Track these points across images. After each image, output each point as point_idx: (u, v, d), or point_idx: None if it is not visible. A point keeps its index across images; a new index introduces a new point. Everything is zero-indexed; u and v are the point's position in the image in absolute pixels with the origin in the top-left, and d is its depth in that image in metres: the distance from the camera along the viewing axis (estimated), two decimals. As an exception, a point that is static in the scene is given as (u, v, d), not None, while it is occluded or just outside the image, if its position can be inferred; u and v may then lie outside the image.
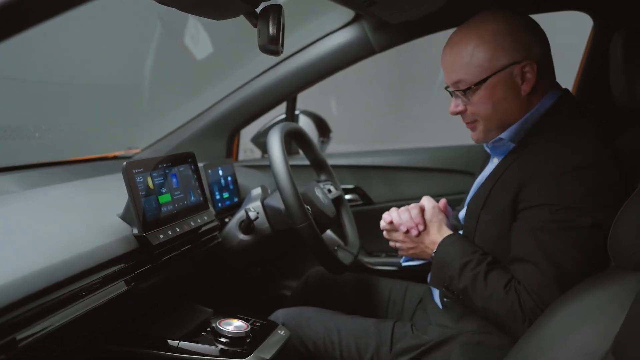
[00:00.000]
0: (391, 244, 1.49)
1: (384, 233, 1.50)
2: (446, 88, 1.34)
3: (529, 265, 1.17)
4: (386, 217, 1.47)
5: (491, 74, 1.24)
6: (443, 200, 1.47)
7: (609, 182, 1.16)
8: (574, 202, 1.15)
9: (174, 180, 1.30)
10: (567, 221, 1.15)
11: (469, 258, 1.26)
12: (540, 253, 1.16)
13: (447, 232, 1.38)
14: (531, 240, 1.18)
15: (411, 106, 3.92)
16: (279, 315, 1.51)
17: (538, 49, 1.26)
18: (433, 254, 1.36)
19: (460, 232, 1.41)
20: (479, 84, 1.25)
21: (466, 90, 1.26)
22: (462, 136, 1.60)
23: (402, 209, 1.44)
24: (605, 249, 1.08)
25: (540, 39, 1.28)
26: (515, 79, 1.25)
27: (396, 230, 1.44)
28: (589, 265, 1.13)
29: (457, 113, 1.33)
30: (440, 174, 2.18)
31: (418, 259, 1.50)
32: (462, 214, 1.46)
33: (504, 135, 1.30)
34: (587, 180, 1.15)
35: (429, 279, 1.41)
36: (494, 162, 1.38)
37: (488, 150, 1.41)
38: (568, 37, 2.05)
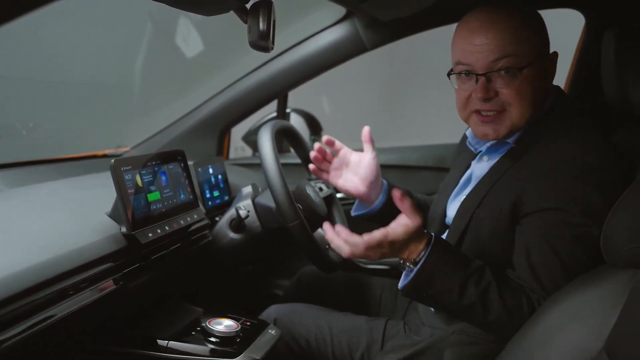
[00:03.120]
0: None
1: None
2: (478, 74, 1.21)
3: (543, 272, 1.14)
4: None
5: (538, 57, 1.21)
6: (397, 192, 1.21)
7: (617, 181, 1.14)
8: (587, 206, 1.12)
9: (163, 178, 1.29)
10: (580, 226, 1.12)
11: (469, 271, 1.16)
12: (556, 260, 1.13)
13: (425, 236, 1.19)
14: (544, 246, 1.14)
15: (402, 105, 3.93)
16: (272, 311, 1.51)
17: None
18: (420, 261, 1.17)
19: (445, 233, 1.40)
20: (530, 65, 1.19)
21: (520, 69, 1.18)
22: (453, 135, 1.59)
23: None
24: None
25: None
26: (546, 69, 1.24)
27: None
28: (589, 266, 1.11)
29: (487, 98, 1.22)
30: (432, 172, 2.18)
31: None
32: (451, 212, 1.42)
33: (512, 140, 1.26)
34: (599, 181, 1.13)
35: (400, 285, 1.21)
36: (484, 160, 1.36)
37: (473, 149, 1.37)
38: (561, 35, 2.05)
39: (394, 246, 1.15)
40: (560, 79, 1.94)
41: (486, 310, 1.14)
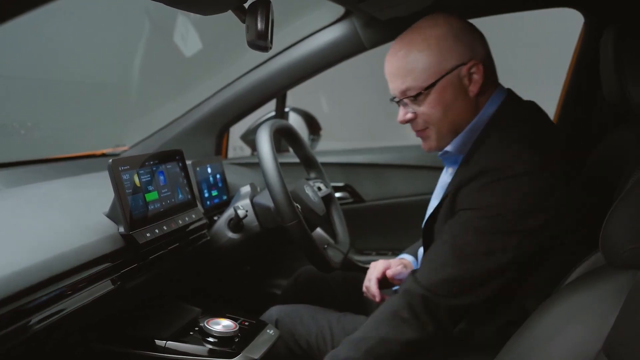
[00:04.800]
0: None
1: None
2: (392, 99, 1.33)
3: (431, 271, 1.18)
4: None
5: (440, 78, 1.24)
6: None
7: (540, 191, 1.14)
8: (499, 210, 1.14)
9: (162, 177, 1.28)
10: (493, 233, 1.14)
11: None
12: (444, 250, 1.17)
13: None
14: (446, 246, 1.18)
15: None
16: (273, 312, 1.51)
17: (481, 50, 1.27)
18: None
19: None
20: (429, 88, 1.24)
21: (416, 96, 1.26)
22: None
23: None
24: (533, 255, 1.14)
25: (481, 40, 1.29)
26: (463, 80, 1.25)
27: None
28: (503, 272, 1.14)
29: (407, 121, 1.32)
30: (429, 171, 2.17)
31: None
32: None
33: (450, 148, 1.30)
34: (518, 188, 1.14)
35: None
36: (449, 172, 1.38)
37: (442, 162, 1.41)
38: (561, 34, 2.05)
39: None
40: (560, 78, 1.95)
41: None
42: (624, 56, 1.21)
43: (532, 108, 1.32)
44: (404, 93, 1.28)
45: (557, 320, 0.93)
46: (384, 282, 1.49)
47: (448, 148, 1.31)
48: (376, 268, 1.55)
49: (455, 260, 1.15)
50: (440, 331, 1.17)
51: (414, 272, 1.21)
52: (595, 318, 0.87)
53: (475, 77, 1.25)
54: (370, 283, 1.49)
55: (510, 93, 1.32)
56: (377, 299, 1.46)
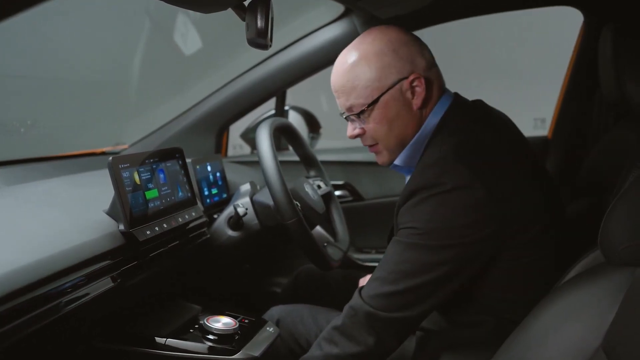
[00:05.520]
0: None
1: None
2: (342, 114, 1.33)
3: (375, 279, 1.18)
4: None
5: (381, 94, 1.23)
6: None
7: (472, 204, 1.12)
8: (431, 226, 1.13)
9: (162, 175, 1.29)
10: (421, 243, 1.14)
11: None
12: (385, 267, 1.17)
13: None
14: (387, 258, 1.18)
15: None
16: (274, 312, 1.52)
17: (422, 62, 1.25)
18: None
19: None
20: (372, 105, 1.24)
21: (360, 113, 1.26)
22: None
23: None
24: (480, 262, 1.13)
25: (422, 50, 1.27)
26: (406, 94, 1.24)
27: None
28: (442, 286, 1.14)
29: (356, 136, 1.32)
30: None
31: None
32: None
33: (398, 162, 1.30)
34: (448, 204, 1.13)
35: None
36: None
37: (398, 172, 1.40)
38: (560, 32, 2.05)
39: None
40: (560, 76, 1.95)
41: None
42: (623, 56, 1.21)
43: (478, 110, 1.30)
44: (349, 110, 1.28)
45: (555, 318, 0.93)
46: None
47: (396, 162, 1.31)
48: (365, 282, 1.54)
49: (394, 276, 1.15)
50: (382, 345, 1.17)
51: (360, 289, 1.21)
52: (593, 316, 0.87)
53: (418, 89, 1.24)
54: None
55: (456, 98, 1.30)
56: None
